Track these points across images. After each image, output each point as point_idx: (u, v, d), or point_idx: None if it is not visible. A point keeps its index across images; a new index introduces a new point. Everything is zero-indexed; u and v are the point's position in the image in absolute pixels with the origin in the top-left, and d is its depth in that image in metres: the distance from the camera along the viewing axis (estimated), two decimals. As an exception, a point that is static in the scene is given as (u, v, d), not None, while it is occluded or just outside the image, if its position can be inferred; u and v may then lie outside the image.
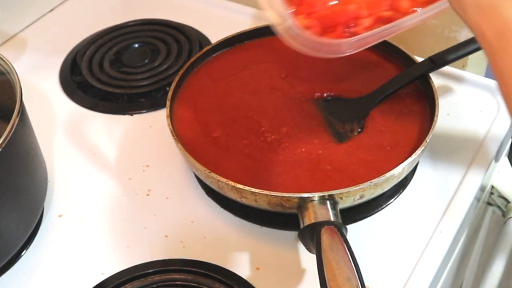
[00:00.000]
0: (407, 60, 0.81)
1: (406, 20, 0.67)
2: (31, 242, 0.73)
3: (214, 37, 0.92)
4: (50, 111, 0.89)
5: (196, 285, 0.66)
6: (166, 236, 0.72)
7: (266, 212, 0.70)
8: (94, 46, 0.98)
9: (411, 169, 0.72)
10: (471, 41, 0.80)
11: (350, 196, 0.66)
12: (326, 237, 0.62)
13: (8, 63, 0.70)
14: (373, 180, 0.66)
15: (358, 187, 0.66)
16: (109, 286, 0.67)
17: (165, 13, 1.03)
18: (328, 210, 0.65)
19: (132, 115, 0.88)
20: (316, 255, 0.61)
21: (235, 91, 0.82)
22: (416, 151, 0.69)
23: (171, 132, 0.74)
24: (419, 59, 0.80)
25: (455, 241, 0.72)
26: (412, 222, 0.72)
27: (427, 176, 0.76)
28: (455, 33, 0.93)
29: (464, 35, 0.92)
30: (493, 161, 0.80)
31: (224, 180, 0.68)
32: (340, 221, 0.65)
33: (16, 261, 0.71)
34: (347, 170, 0.71)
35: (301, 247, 0.69)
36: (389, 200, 0.74)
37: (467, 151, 0.78)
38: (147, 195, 0.77)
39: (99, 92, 0.91)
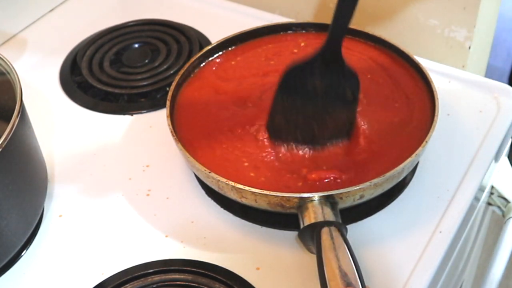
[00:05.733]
0: (407, 60, 0.81)
1: None
2: (31, 242, 0.73)
3: (214, 37, 0.92)
4: (50, 111, 0.89)
5: (196, 285, 0.66)
6: (166, 236, 0.72)
7: (266, 212, 0.70)
8: (94, 46, 0.98)
9: (411, 169, 0.72)
10: None
11: (350, 196, 0.66)
12: (326, 237, 0.62)
13: (8, 63, 0.70)
14: (373, 180, 0.66)
15: (358, 187, 0.65)
16: (109, 286, 0.67)
17: (165, 13, 1.03)
18: (328, 210, 0.65)
19: (132, 115, 0.87)
20: (316, 255, 0.61)
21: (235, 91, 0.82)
22: (416, 151, 0.69)
23: (171, 132, 0.74)
24: (419, 59, 0.80)
25: (455, 241, 0.72)
26: (412, 222, 0.72)
27: (427, 176, 0.76)
28: (455, 33, 0.93)
29: (464, 35, 0.92)
30: (493, 161, 0.80)
31: (224, 180, 0.68)
32: (340, 221, 0.65)
33: (16, 261, 0.71)
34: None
35: (301, 247, 0.69)
36: (389, 200, 0.74)
37: (467, 151, 0.78)
38: (147, 195, 0.77)
39: (99, 92, 0.91)
